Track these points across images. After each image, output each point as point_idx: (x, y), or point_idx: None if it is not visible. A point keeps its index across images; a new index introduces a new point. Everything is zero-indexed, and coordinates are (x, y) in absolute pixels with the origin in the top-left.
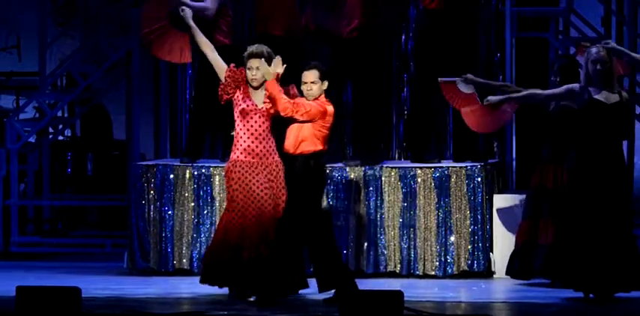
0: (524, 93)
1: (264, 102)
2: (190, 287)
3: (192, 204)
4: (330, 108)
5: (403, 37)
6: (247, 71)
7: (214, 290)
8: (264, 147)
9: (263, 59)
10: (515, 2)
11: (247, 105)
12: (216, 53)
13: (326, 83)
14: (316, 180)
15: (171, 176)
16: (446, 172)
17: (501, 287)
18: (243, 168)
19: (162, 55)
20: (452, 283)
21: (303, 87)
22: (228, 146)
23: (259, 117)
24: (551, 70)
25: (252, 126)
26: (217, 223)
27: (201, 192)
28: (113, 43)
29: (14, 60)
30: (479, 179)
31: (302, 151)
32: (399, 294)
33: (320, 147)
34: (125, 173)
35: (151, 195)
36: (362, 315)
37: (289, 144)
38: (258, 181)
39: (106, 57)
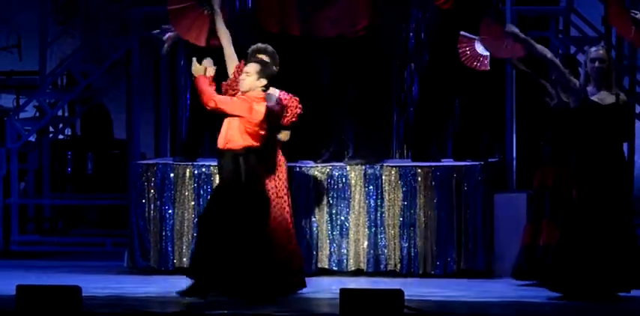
0: (547, 54)
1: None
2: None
3: (193, 202)
4: (258, 107)
5: (403, 35)
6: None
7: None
8: (267, 147)
9: (268, 57)
10: (516, 1)
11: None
12: (232, 46)
13: (263, 81)
14: (246, 176)
15: (172, 175)
16: (446, 171)
17: (501, 286)
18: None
19: (182, 31)
20: (452, 282)
21: (242, 75)
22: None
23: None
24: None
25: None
26: None
27: (202, 191)
28: (113, 42)
29: (15, 59)
30: (479, 178)
31: (230, 147)
32: (399, 293)
33: (249, 143)
34: (125, 172)
35: (151, 194)
36: (362, 314)
37: (219, 138)
38: (271, 174)
39: (106, 56)
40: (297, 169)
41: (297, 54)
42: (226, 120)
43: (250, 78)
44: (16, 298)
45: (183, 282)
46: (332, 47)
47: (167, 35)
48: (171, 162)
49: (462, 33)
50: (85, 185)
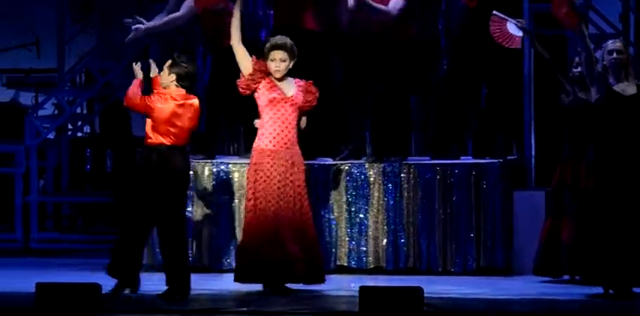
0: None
1: (297, 92)
2: (209, 283)
3: (211, 200)
4: (154, 105)
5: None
6: (270, 63)
7: (233, 286)
8: (293, 136)
9: (287, 52)
10: None
11: (278, 94)
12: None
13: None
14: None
15: (191, 172)
16: (465, 169)
17: (521, 283)
18: (272, 157)
19: (207, 34)
20: (471, 279)
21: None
22: (249, 142)
23: (289, 105)
24: (572, 66)
25: (282, 114)
26: (246, 215)
27: (221, 189)
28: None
29: (33, 57)
30: (498, 176)
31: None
32: (418, 291)
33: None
34: None
35: None
36: (382, 311)
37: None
38: (284, 171)
39: (124, 53)
40: (316, 166)
41: (311, 50)
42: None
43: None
44: (36, 296)
45: (202, 279)
46: (351, 44)
47: (137, 26)
48: (189, 159)
49: (495, 13)
50: (103, 182)
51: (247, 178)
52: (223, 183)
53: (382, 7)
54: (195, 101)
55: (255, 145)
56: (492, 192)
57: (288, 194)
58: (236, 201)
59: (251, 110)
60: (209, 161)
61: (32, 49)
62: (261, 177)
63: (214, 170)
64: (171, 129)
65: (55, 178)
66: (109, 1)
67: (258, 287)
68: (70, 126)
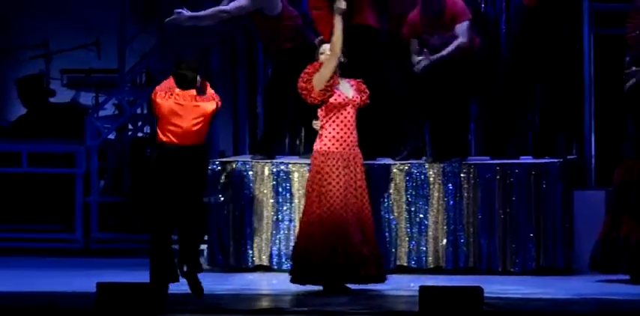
0: None
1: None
2: (270, 283)
3: (271, 200)
4: (155, 100)
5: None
6: (321, 56)
7: (294, 286)
8: (354, 137)
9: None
10: None
11: (342, 99)
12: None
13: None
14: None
15: (250, 173)
16: (525, 169)
17: (581, 283)
18: (335, 159)
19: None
20: (531, 279)
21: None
22: (310, 141)
23: (351, 107)
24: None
25: (345, 117)
26: (304, 216)
27: (280, 189)
28: (190, 40)
29: (93, 57)
30: (558, 175)
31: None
32: (478, 290)
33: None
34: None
35: (229, 192)
36: (441, 311)
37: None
38: (347, 173)
39: (183, 54)
40: (376, 166)
41: (370, 48)
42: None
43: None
44: (96, 295)
45: (262, 279)
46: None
47: (180, 10)
48: (249, 159)
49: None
50: None
51: (309, 180)
52: (283, 183)
53: (453, 46)
54: (206, 104)
55: (317, 147)
56: (552, 192)
57: (350, 195)
58: (295, 201)
59: (310, 110)
60: (269, 161)
61: (93, 49)
62: (324, 179)
63: (274, 170)
64: (171, 128)
65: (115, 178)
66: (169, 3)
67: (318, 287)
68: (130, 127)
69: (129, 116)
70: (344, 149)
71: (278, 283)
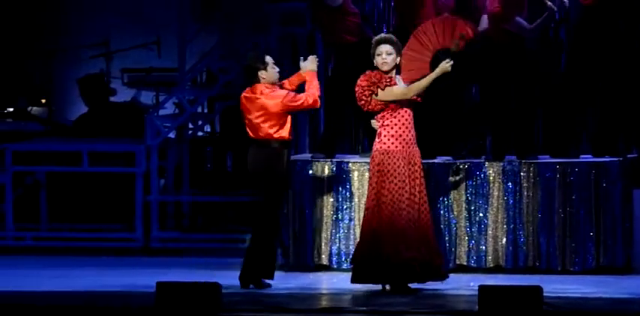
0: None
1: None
2: (330, 282)
3: (331, 199)
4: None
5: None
6: (377, 57)
7: (354, 285)
8: (413, 134)
9: (392, 45)
10: None
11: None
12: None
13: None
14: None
15: (310, 171)
16: (584, 167)
17: None
18: (396, 157)
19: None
20: (591, 278)
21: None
22: (369, 141)
23: (408, 105)
24: None
25: (402, 116)
26: (365, 215)
27: (340, 188)
28: (251, 38)
29: (154, 56)
30: (618, 174)
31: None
32: (538, 290)
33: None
34: None
35: (290, 191)
36: (501, 311)
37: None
38: (407, 170)
39: (244, 53)
40: (436, 165)
41: None
42: None
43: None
44: (156, 294)
45: (322, 278)
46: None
47: None
48: (310, 158)
49: None
50: (224, 182)
51: (370, 178)
52: (343, 182)
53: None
54: (267, 101)
55: (376, 147)
56: (612, 191)
57: (409, 193)
58: (355, 200)
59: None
60: (328, 160)
61: (153, 48)
62: (385, 178)
63: (334, 169)
64: (246, 122)
65: (175, 177)
66: (230, 0)
67: (378, 286)
68: (190, 126)
69: (189, 115)
70: (403, 147)
71: (338, 282)
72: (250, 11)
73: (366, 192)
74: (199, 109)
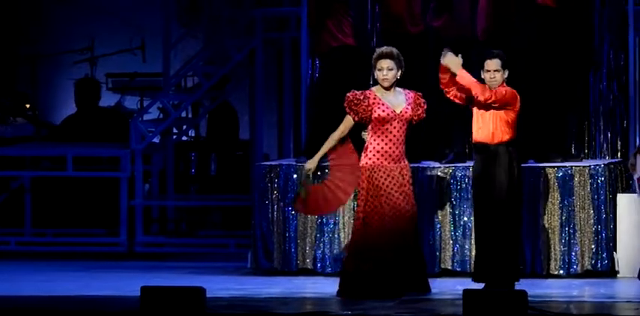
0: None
1: (406, 106)
2: (314, 286)
3: None
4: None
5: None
6: (377, 72)
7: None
8: (400, 151)
9: (393, 60)
10: (639, 1)
11: (386, 114)
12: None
13: (507, 72)
14: (518, 167)
15: (295, 176)
16: (569, 171)
17: (626, 286)
18: (381, 173)
19: None
20: (576, 282)
21: (486, 76)
22: (358, 147)
23: (397, 122)
24: None
25: (390, 132)
26: (354, 232)
27: None
28: (236, 43)
29: (138, 61)
30: (602, 178)
31: (501, 140)
32: (522, 294)
33: (514, 133)
34: (249, 173)
35: (274, 195)
36: (486, 315)
37: (486, 134)
38: (395, 185)
39: (229, 58)
40: (421, 169)
41: (419, 52)
42: (488, 114)
43: (499, 73)
44: (141, 299)
45: (306, 283)
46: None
47: None
48: (294, 163)
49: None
50: (208, 186)
51: (359, 193)
52: None
53: None
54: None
55: (362, 162)
56: (596, 195)
57: (399, 207)
58: None
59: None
60: None
61: (138, 53)
62: (371, 194)
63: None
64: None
65: (160, 182)
66: (215, 5)
67: None
68: (175, 130)
69: (173, 120)
70: (389, 163)
71: (323, 286)
72: (236, 16)
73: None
74: (184, 114)
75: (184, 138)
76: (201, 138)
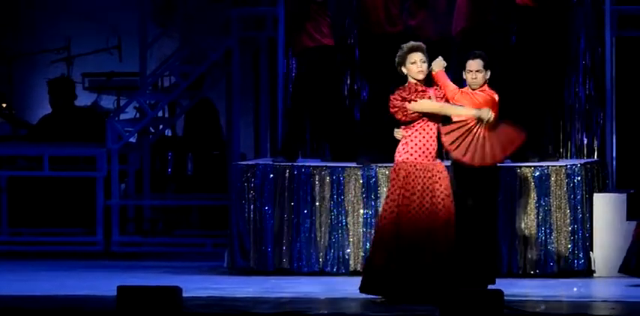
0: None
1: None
2: (290, 286)
3: (292, 203)
4: (497, 97)
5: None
6: (411, 65)
7: (315, 289)
8: (434, 148)
9: (424, 54)
10: (616, 1)
11: None
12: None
13: (489, 72)
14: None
15: (271, 175)
16: (546, 171)
17: (602, 286)
18: (419, 170)
19: None
20: (552, 282)
21: (468, 76)
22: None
23: (435, 116)
24: None
25: (430, 128)
26: (381, 227)
27: (301, 192)
28: (213, 43)
29: (115, 60)
30: (579, 178)
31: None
32: (499, 293)
33: None
34: (225, 173)
35: (251, 195)
36: (462, 314)
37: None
38: (436, 182)
39: (205, 57)
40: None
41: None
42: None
43: (481, 74)
44: (117, 299)
45: (283, 282)
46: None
47: None
48: (271, 162)
49: None
50: (185, 186)
51: (391, 189)
52: (304, 186)
53: None
54: None
55: (401, 158)
56: (573, 194)
57: (434, 206)
58: (317, 203)
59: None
60: (290, 164)
61: (114, 52)
62: (408, 190)
63: (295, 173)
64: None
65: (136, 181)
66: (191, 5)
67: (343, 290)
68: (151, 130)
69: (150, 119)
70: (428, 160)
71: (299, 286)
72: (212, 15)
73: (383, 199)
74: (160, 113)
75: (161, 137)
76: (178, 137)
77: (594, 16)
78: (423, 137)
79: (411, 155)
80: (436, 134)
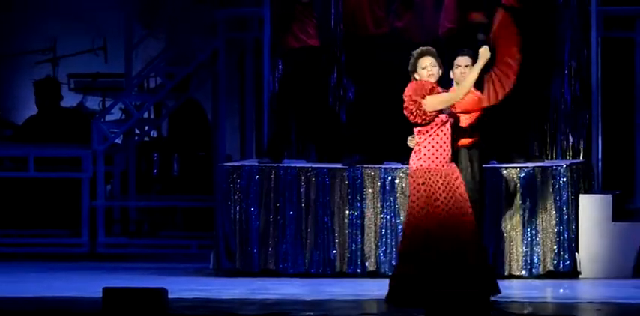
0: None
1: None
2: (276, 287)
3: (278, 204)
4: (482, 96)
5: None
6: (422, 70)
7: (300, 290)
8: (449, 153)
9: (435, 58)
10: (601, 2)
11: (445, 115)
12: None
13: None
14: (480, 168)
15: (257, 177)
16: (531, 172)
17: (587, 287)
18: (437, 175)
19: None
20: (538, 283)
21: (457, 72)
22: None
23: (450, 123)
24: None
25: (444, 134)
26: (408, 234)
27: (287, 193)
28: (199, 44)
29: (100, 61)
30: (564, 179)
31: (463, 143)
32: (485, 295)
33: (477, 136)
34: (211, 174)
35: (236, 196)
36: (449, 314)
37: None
38: (458, 187)
39: (191, 58)
40: (383, 170)
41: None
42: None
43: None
44: (103, 300)
45: (268, 284)
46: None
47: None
48: (256, 164)
49: None
50: (171, 187)
51: (412, 197)
52: (290, 187)
53: None
54: None
55: (417, 165)
56: (558, 196)
57: (455, 209)
58: (302, 204)
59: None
60: (275, 165)
61: (100, 53)
62: (429, 196)
63: (281, 174)
64: None
65: (122, 183)
66: (177, 6)
67: (330, 292)
68: (137, 131)
69: (136, 120)
70: (443, 166)
71: (284, 287)
72: (197, 16)
73: (406, 206)
74: (146, 115)
75: (146, 138)
76: (164, 138)
77: (580, 17)
78: (437, 142)
79: (425, 162)
80: (450, 139)
